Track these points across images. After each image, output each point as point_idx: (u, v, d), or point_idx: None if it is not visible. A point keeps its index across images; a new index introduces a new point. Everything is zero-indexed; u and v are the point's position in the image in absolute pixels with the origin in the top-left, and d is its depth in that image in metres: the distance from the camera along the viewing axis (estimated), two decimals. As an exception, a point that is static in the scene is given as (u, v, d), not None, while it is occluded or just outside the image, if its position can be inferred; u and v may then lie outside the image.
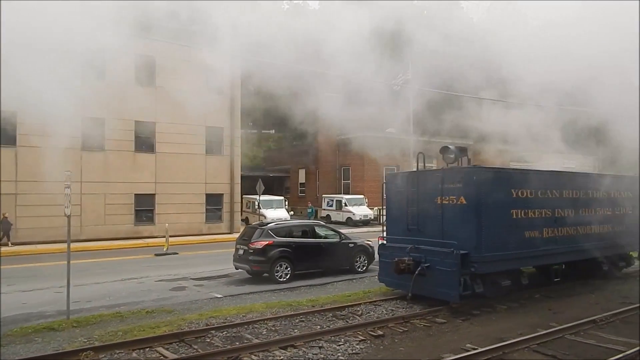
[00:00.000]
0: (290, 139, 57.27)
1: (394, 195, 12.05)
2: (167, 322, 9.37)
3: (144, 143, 24.39)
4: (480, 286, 10.34)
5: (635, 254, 15.26)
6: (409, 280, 10.81)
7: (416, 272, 10.57)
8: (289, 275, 13.15)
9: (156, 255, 18.70)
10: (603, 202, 13.15)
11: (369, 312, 10.29)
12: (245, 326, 9.10)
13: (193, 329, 8.93)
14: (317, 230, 14.30)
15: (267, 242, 12.99)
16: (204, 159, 25.90)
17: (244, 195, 33.14)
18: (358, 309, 10.56)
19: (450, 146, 10.51)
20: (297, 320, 9.58)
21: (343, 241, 14.35)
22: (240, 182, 27.28)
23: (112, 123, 23.40)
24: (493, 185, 10.44)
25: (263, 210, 30.02)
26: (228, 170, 26.56)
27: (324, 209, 37.12)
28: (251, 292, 12.09)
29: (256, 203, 30.62)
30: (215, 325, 8.96)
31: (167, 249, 19.10)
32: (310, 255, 13.61)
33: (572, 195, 12.21)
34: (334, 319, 9.82)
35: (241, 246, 13.43)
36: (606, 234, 13.21)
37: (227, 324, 9.16)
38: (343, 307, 10.60)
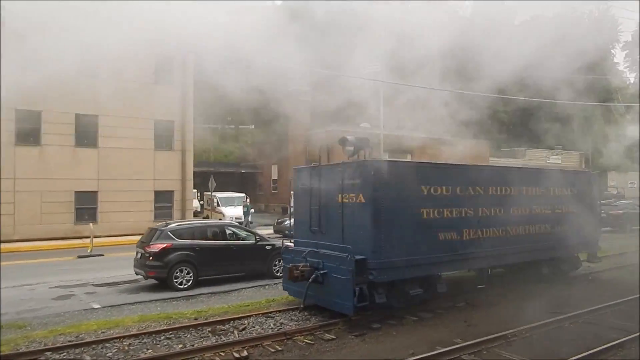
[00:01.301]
0: (263, 134, 55.95)
1: (300, 192, 10.75)
2: (6, 340, 8.09)
3: (86, 137, 23.04)
4: (382, 296, 9.06)
5: (584, 256, 14.03)
6: (312, 288, 9.57)
7: (309, 280, 9.31)
8: (191, 281, 11.86)
9: (79, 257, 17.40)
10: (542, 200, 11.88)
11: (254, 326, 9.02)
12: (93, 345, 7.82)
13: (31, 349, 7.67)
14: (230, 231, 12.99)
15: (165, 245, 11.68)
16: (152, 154, 24.56)
17: (204, 193, 31.89)
18: (245, 322, 9.29)
19: (348, 136, 9.21)
20: (162, 338, 8.30)
21: (259, 243, 13.06)
22: (193, 178, 25.96)
23: (50, 116, 22.07)
24: (397, 181, 9.15)
25: (221, 208, 28.76)
26: (179, 166, 25.24)
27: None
28: (138, 302, 10.79)
29: (215, 201, 29.36)
30: (53, 346, 7.68)
31: (92, 250, 17.81)
32: (219, 259, 12.32)
33: (501, 193, 10.92)
34: (208, 335, 8.54)
35: (139, 249, 12.13)
36: (547, 235, 11.95)
37: (71, 343, 7.88)
38: (228, 320, 9.32)
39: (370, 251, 8.79)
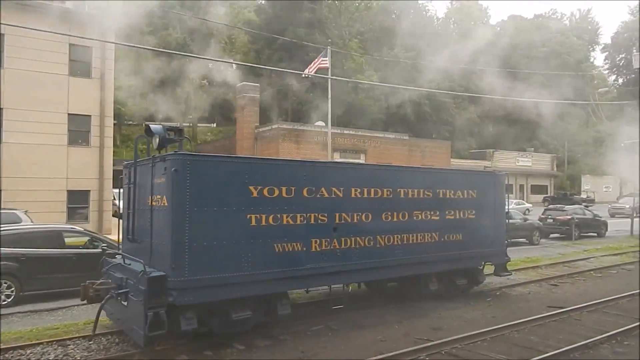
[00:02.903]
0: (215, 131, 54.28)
1: (125, 193, 9.04)
2: None
3: (-13, 132, 21.09)
4: (192, 321, 7.34)
5: (492, 268, 12.44)
6: (119, 310, 7.85)
7: (103, 302, 7.59)
8: (12, 297, 10.06)
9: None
10: (430, 204, 10.27)
11: (33, 357, 7.28)
12: None
13: None
14: (69, 237, 11.22)
15: (-25, 255, 9.92)
16: (65, 151, 22.65)
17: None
18: (34, 351, 7.54)
19: (153, 125, 7.49)
20: None
21: (107, 252, 11.26)
22: (112, 176, 24.05)
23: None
24: (214, 180, 7.45)
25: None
26: (97, 164, 23.35)
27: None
28: None
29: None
30: None
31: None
32: (51, 271, 10.53)
33: (369, 195, 9.28)
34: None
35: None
36: (436, 245, 10.34)
37: None
38: (14, 349, 7.57)
39: (170, 267, 7.07)
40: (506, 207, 12.09)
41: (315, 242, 8.49)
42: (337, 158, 35.18)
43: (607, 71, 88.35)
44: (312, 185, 8.46)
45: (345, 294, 9.53)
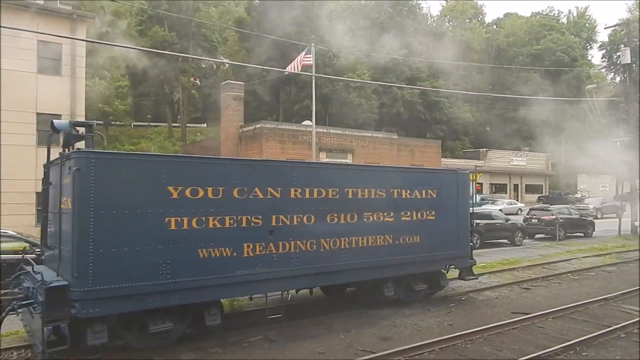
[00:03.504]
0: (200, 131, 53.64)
1: (42, 195, 8.41)
2: None
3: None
4: (101, 335, 6.71)
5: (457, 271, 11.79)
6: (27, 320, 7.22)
7: (3, 315, 6.95)
8: None
9: None
10: (384, 205, 9.63)
11: None
12: None
13: None
14: (6, 242, 10.56)
15: None
16: (34, 152, 21.99)
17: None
18: None
19: (56, 121, 6.85)
20: None
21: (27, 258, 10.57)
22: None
23: None
24: (124, 180, 6.81)
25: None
26: (68, 165, 22.71)
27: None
28: None
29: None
30: None
31: None
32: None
33: (312, 196, 8.63)
34: None
35: None
36: (391, 248, 9.70)
37: None
38: None
39: (72, 276, 6.43)
40: (471, 207, 11.43)
41: (248, 246, 7.84)
42: (324, 158, 34.52)
43: (604, 69, 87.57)
44: (244, 186, 7.82)
45: (285, 301, 8.86)
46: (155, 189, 7.00)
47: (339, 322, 9.46)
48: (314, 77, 30.42)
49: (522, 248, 20.46)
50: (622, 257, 18.76)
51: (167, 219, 7.08)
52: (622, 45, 25.69)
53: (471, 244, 11.69)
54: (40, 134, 22.19)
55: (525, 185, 57.83)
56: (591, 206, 38.91)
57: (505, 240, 21.16)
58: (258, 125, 32.41)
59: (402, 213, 9.94)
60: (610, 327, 9.36)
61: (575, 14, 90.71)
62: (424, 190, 10.32)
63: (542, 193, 57.81)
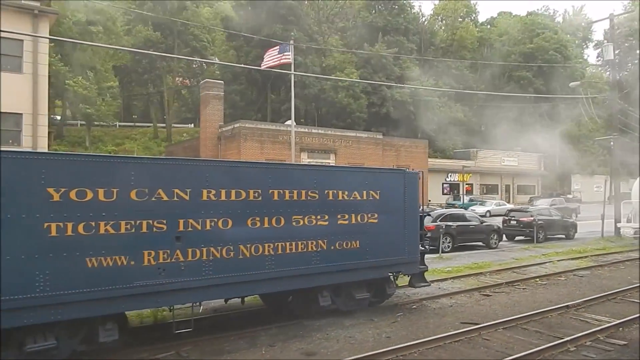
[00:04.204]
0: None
1: None
2: None
3: None
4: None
5: (406, 278, 11.04)
6: None
7: None
8: None
9: None
10: (319, 208, 8.87)
11: None
12: None
13: None
14: None
15: None
16: (-6, 152, 21.27)
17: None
18: None
19: None
20: None
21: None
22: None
23: None
24: (-7, 180, 6.06)
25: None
26: (30, 165, 21.94)
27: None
28: None
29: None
30: None
31: None
32: None
33: (226, 197, 7.87)
34: None
35: None
36: (327, 254, 8.95)
37: None
38: None
39: None
40: (420, 209, 10.67)
41: (149, 254, 7.09)
42: (305, 159, 33.81)
43: (600, 68, 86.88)
44: (143, 187, 7.06)
45: (196, 314, 8.11)
46: (30, 190, 6.25)
47: (267, 335, 8.71)
48: (292, 75, 29.72)
49: (497, 251, 19.69)
50: (600, 260, 18.00)
51: (46, 224, 6.33)
52: (605, 41, 24.90)
53: (422, 248, 10.93)
54: (1, 133, 21.49)
55: (517, 185, 57.05)
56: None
57: (480, 243, 20.39)
58: (237, 125, 31.68)
59: (339, 216, 9.19)
60: (562, 339, 8.62)
61: (571, 13, 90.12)
62: (365, 192, 9.56)
63: (534, 194, 57.04)
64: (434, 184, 46.44)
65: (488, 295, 12.28)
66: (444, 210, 22.18)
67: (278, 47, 28.63)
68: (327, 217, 9.00)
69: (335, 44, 54.25)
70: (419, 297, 11.70)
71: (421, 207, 10.64)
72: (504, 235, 21.71)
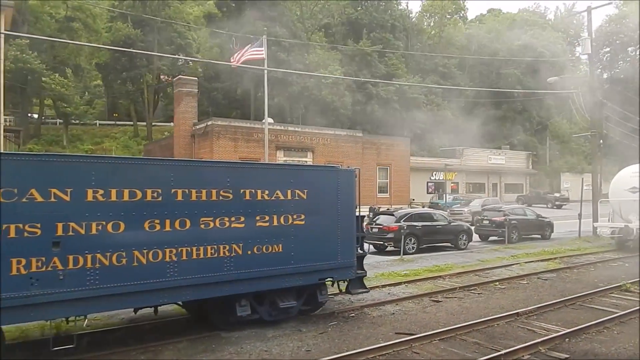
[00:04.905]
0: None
1: None
2: None
3: None
4: None
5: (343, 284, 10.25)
6: None
7: None
8: None
9: None
10: (225, 208, 8.08)
11: None
12: None
13: None
14: None
15: None
16: (-56, 150, 20.40)
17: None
18: None
19: None
20: None
21: None
22: None
23: None
24: None
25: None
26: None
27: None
28: None
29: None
30: None
31: None
32: None
33: (117, 198, 7.06)
34: None
35: None
36: (240, 260, 8.16)
37: None
38: None
39: None
40: (357, 209, 9.88)
41: (19, 262, 6.28)
42: (281, 157, 33.00)
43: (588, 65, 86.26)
44: (12, 187, 6.27)
45: (80, 328, 7.31)
46: None
47: (175, 350, 7.93)
48: (265, 71, 28.89)
49: (465, 252, 18.93)
50: (570, 262, 17.29)
51: None
52: (583, 35, 24.17)
53: (360, 252, 10.16)
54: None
55: (505, 184, 56.37)
56: (465, 209, 32.16)
57: (448, 244, 19.64)
58: (209, 123, 30.84)
59: (258, 218, 8.40)
60: (498, 351, 7.88)
61: (562, 10, 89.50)
62: (289, 191, 8.78)
63: (522, 192, 56.40)
64: (418, 182, 45.73)
65: (438, 302, 11.52)
66: (409, 209, 21.41)
67: (251, 43, 27.87)
68: (243, 218, 8.21)
69: (319, 41, 53.38)
70: (362, 304, 10.93)
71: (358, 207, 9.83)
72: (474, 236, 20.95)
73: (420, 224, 18.21)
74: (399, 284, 13.29)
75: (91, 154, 41.57)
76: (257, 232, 8.36)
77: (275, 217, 8.58)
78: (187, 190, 7.64)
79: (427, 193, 47.32)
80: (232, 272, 8.05)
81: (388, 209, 22.05)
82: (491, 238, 22.41)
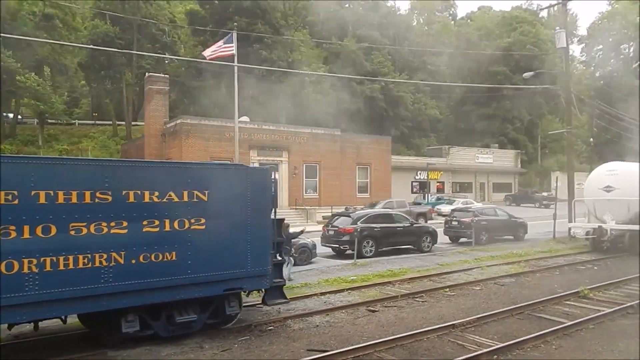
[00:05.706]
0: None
1: None
2: None
3: None
4: None
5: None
6: None
7: None
8: None
9: None
10: (102, 212, 7.15)
11: None
12: None
13: None
14: None
15: None
16: None
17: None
18: None
19: None
20: None
21: None
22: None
23: None
24: None
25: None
26: None
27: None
28: None
29: None
30: None
31: None
32: None
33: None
34: None
35: None
36: (121, 270, 7.22)
37: None
38: None
39: None
40: (273, 212, 8.95)
41: None
42: (255, 156, 32.09)
43: (583, 64, 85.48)
44: None
45: None
46: None
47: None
48: (236, 67, 27.95)
49: (427, 255, 18.01)
50: (537, 265, 16.38)
51: None
52: (557, 28, 23.31)
53: (279, 259, 9.24)
54: None
55: (493, 183, 55.47)
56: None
57: (410, 247, 18.71)
58: (178, 121, 29.90)
59: (146, 222, 7.47)
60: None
61: (555, 8, 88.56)
62: (186, 192, 7.85)
63: (511, 192, 55.52)
64: (403, 182, 44.82)
65: (374, 311, 10.59)
66: (368, 210, 20.47)
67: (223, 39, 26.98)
68: (125, 223, 7.28)
69: (303, 38, 52.44)
70: (288, 315, 10.00)
71: (273, 209, 8.91)
72: (444, 238, 20.03)
73: (378, 225, 17.28)
74: (341, 291, 12.37)
75: (65, 154, 40.64)
76: (144, 239, 7.42)
77: (167, 221, 7.65)
78: (51, 192, 6.71)
79: (412, 193, 46.42)
80: (111, 284, 7.12)
81: (346, 210, 21.14)
82: (462, 240, 21.49)
